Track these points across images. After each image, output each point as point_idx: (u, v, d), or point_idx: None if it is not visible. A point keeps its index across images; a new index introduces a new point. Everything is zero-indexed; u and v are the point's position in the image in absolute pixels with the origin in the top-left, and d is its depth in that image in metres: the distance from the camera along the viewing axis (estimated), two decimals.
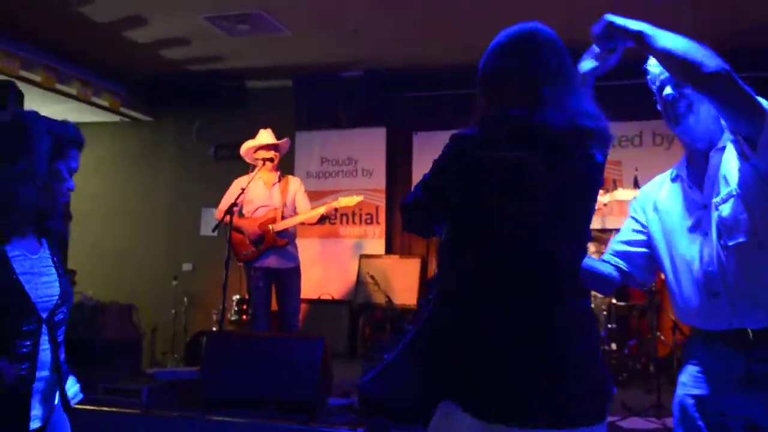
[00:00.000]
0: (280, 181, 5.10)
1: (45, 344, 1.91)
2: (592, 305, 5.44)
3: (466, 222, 1.63)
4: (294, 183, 5.17)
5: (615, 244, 2.08)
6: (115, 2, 5.66)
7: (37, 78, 6.60)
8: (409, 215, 1.77)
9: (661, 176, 2.11)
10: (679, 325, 4.74)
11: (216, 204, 7.79)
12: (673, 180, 2.02)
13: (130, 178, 8.44)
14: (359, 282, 6.66)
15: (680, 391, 1.92)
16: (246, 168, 5.31)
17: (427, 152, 7.24)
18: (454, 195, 1.66)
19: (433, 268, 7.11)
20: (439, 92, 7.21)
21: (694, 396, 1.87)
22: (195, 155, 8.15)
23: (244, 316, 6.38)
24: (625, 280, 2.05)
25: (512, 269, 1.55)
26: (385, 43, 6.50)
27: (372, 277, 6.42)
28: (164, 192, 8.26)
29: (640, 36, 1.82)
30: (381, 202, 7.25)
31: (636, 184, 5.58)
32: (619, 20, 1.84)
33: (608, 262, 2.06)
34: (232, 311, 6.37)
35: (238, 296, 6.44)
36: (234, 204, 4.84)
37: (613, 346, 5.38)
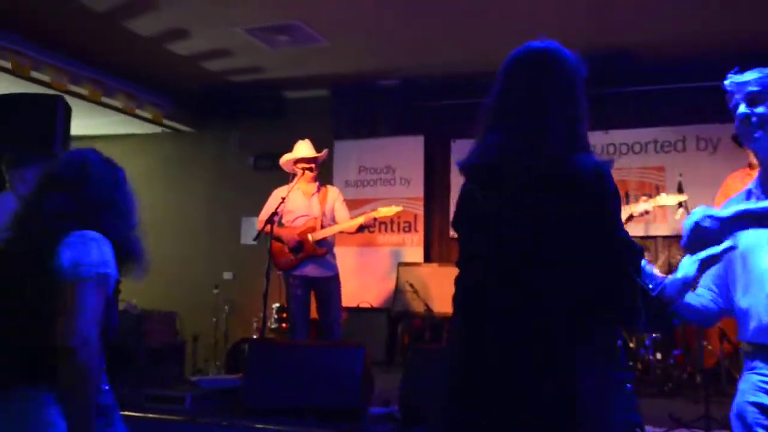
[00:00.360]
0: (319, 191, 5.14)
1: None
2: None
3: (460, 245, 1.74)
4: (333, 192, 5.21)
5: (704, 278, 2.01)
6: (158, 16, 5.79)
7: (84, 92, 6.78)
8: None
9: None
10: (726, 335, 4.62)
11: (256, 213, 7.88)
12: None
13: (172, 189, 8.59)
14: (398, 290, 6.66)
15: (740, 398, 1.91)
16: (285, 178, 5.36)
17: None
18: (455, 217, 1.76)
19: None
20: (476, 99, 7.06)
21: (755, 404, 1.85)
22: (235, 165, 8.27)
23: (284, 324, 6.43)
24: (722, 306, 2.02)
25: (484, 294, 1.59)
26: (422, 51, 6.50)
27: (411, 285, 6.41)
28: (205, 202, 8.39)
29: None
30: (419, 210, 7.24)
31: (680, 190, 5.46)
32: None
33: (703, 295, 2.03)
34: (272, 319, 6.42)
35: (278, 304, 6.50)
36: (275, 213, 4.89)
37: (658, 355, 5.27)
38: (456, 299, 1.69)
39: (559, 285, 1.48)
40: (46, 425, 1.66)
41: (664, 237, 6.49)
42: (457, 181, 7.27)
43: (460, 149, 7.25)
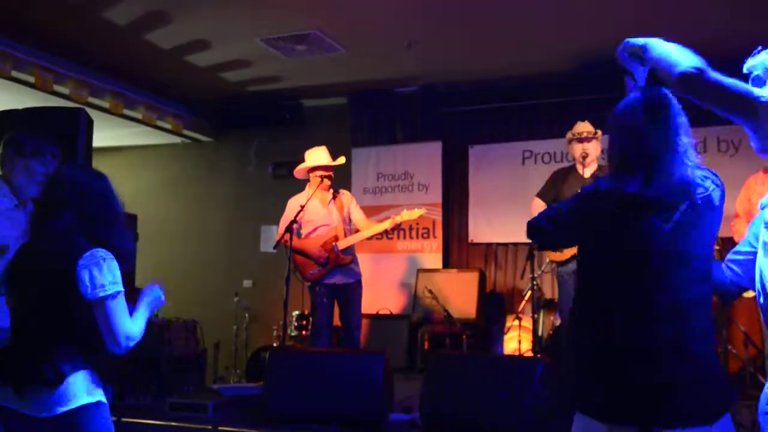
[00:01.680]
0: (334, 198, 5.15)
1: None
2: None
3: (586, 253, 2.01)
4: (346, 197, 5.22)
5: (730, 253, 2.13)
6: (178, 29, 5.86)
7: (106, 104, 6.88)
8: (537, 234, 2.09)
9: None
10: (751, 339, 4.57)
11: (275, 221, 7.90)
12: None
13: (191, 198, 8.67)
14: (417, 296, 6.65)
15: None
16: (303, 186, 5.38)
17: (483, 165, 7.21)
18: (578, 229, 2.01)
19: (491, 281, 7.06)
20: (493, 105, 7.19)
21: None
22: (254, 174, 8.33)
23: (304, 332, 6.45)
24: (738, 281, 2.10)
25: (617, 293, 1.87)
26: (439, 58, 6.52)
27: (430, 291, 6.40)
28: (225, 210, 8.46)
29: (642, 49, 2.01)
30: (438, 216, 7.24)
31: None
32: (632, 39, 2.04)
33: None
34: (292, 327, 6.45)
35: (297, 312, 6.52)
36: (293, 221, 4.91)
37: None
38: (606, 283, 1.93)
39: (702, 275, 1.87)
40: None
41: None
42: (475, 186, 7.30)
43: (478, 154, 7.26)
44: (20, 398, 2.08)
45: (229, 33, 5.97)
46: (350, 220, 5.15)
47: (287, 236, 4.89)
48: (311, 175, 5.16)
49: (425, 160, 7.37)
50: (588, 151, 4.64)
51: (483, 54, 6.38)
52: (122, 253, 2.27)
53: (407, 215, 5.01)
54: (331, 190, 5.17)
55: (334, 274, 4.97)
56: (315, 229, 5.07)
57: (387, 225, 4.95)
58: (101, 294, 2.12)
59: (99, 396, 2.16)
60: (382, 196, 7.46)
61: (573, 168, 4.75)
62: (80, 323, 2.15)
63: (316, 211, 5.08)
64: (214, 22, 5.73)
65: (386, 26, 5.80)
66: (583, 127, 4.79)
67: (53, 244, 2.18)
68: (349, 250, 5.02)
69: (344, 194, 5.24)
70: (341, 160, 5.25)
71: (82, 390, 2.11)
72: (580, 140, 4.73)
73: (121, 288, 2.18)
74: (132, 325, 2.23)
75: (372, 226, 5.07)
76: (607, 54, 6.43)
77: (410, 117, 7.56)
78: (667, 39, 1.97)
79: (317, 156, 5.13)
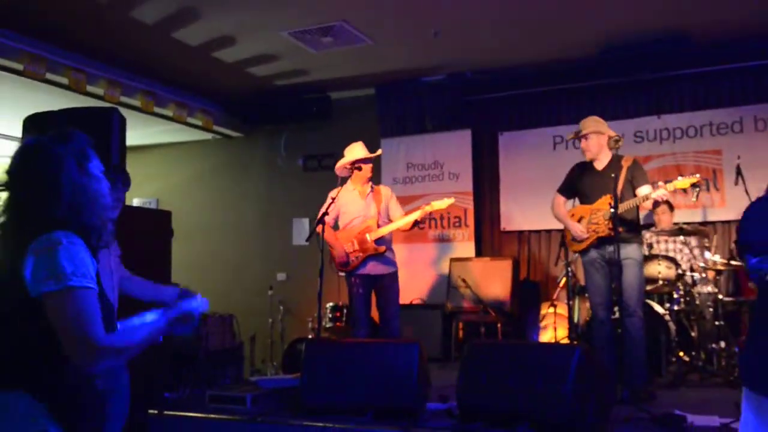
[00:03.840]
0: (372, 190, 5.18)
1: None
2: (697, 302, 5.18)
3: None
4: (386, 191, 5.25)
5: None
6: (205, 26, 5.91)
7: (137, 103, 6.98)
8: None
9: None
10: None
11: (306, 214, 8.00)
12: None
13: (223, 193, 8.76)
14: (450, 285, 6.64)
15: None
16: (333, 178, 5.39)
17: (513, 152, 7.15)
18: None
19: (525, 268, 7.00)
20: (522, 91, 7.12)
21: None
22: (284, 167, 8.38)
23: (338, 323, 6.48)
24: None
25: None
26: (466, 45, 6.47)
27: (463, 280, 6.39)
28: (256, 204, 8.53)
29: None
30: (469, 204, 7.21)
31: (739, 173, 5.30)
32: None
33: None
34: (327, 318, 6.49)
35: (332, 303, 6.56)
36: (325, 213, 4.93)
37: (722, 344, 5.11)
38: None
39: None
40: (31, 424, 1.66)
41: (724, 222, 6.30)
42: (506, 173, 7.23)
43: (508, 141, 7.19)
44: None
45: (255, 27, 6.00)
46: (387, 213, 5.17)
47: (320, 228, 4.93)
48: (348, 169, 5.19)
49: (455, 148, 7.33)
50: (585, 148, 4.67)
51: (510, 40, 6.31)
52: (85, 229, 1.82)
53: (437, 205, 5.01)
54: (370, 184, 5.19)
55: (367, 263, 4.99)
56: (351, 221, 5.12)
57: (417, 215, 4.96)
58: (53, 287, 1.66)
59: (47, 427, 1.66)
60: (413, 186, 7.45)
61: (590, 161, 4.72)
62: (23, 331, 1.70)
63: (353, 204, 5.13)
64: (240, 17, 5.76)
65: (412, 15, 5.77)
66: (580, 127, 4.75)
67: None
68: (383, 241, 5.04)
69: (384, 189, 5.27)
70: (378, 152, 5.28)
71: (15, 422, 1.65)
72: (579, 140, 4.75)
73: (87, 283, 1.71)
74: (102, 334, 1.68)
75: (403, 217, 5.08)
76: (632, 37, 6.42)
77: (438, 106, 7.52)
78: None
79: (355, 150, 5.16)
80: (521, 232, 7.13)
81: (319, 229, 4.96)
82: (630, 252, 4.49)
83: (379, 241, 5.00)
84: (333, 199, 5.00)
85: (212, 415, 3.96)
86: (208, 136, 8.59)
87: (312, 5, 5.54)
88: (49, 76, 6.04)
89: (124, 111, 4.46)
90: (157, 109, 7.26)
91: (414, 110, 7.63)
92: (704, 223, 6.24)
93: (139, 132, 8.06)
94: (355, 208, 5.12)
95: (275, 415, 3.88)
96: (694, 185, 4.33)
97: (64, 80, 6.18)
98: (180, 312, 1.93)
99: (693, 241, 5.73)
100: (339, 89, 7.79)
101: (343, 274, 5.13)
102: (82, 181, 1.84)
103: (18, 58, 5.78)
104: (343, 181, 5.21)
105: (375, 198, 5.14)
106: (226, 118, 8.31)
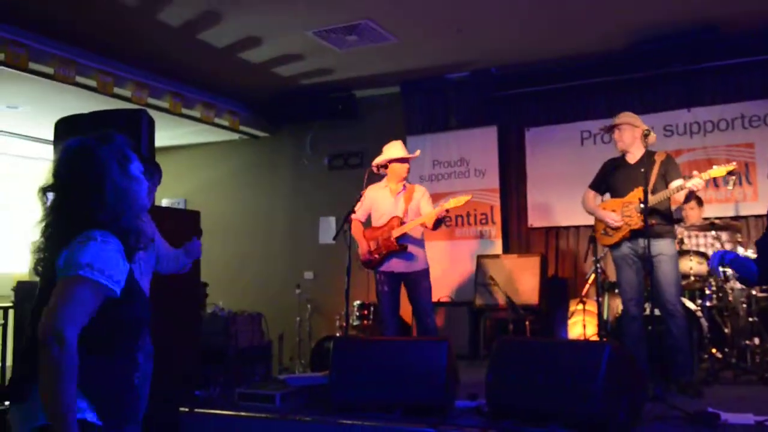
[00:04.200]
0: (404, 189, 5.19)
1: None
2: (730, 298, 5.12)
3: None
4: (418, 191, 5.23)
5: None
6: (230, 27, 5.95)
7: (165, 104, 7.07)
8: None
9: None
10: None
11: (332, 213, 8.02)
12: None
13: (250, 193, 8.83)
14: (478, 283, 6.61)
15: None
16: (360, 177, 5.41)
17: (539, 147, 7.09)
18: None
19: (553, 265, 6.94)
20: (548, 86, 7.06)
21: None
22: (310, 166, 8.42)
23: (366, 321, 6.50)
24: None
25: None
26: (491, 41, 6.43)
27: (491, 277, 6.35)
28: (283, 204, 8.58)
29: None
30: (496, 201, 7.16)
31: None
32: None
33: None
34: (354, 316, 6.50)
35: (359, 302, 6.57)
36: (351, 211, 4.95)
37: (756, 340, 5.02)
38: None
39: None
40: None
41: (757, 217, 6.18)
42: (533, 169, 7.18)
43: (535, 137, 7.14)
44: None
45: (280, 27, 6.03)
46: (418, 212, 5.17)
47: (354, 225, 4.97)
48: (385, 168, 5.21)
49: (480, 145, 7.29)
50: (618, 138, 4.64)
51: (535, 35, 6.26)
52: (122, 231, 1.86)
53: (453, 202, 4.98)
54: (404, 183, 5.20)
55: (390, 259, 5.00)
56: (380, 218, 5.15)
57: (435, 212, 4.93)
58: (63, 274, 1.74)
59: (79, 413, 1.71)
60: (439, 183, 7.42)
61: (623, 156, 4.67)
62: None
63: (384, 202, 5.16)
64: (265, 17, 5.79)
65: (436, 12, 5.75)
66: (614, 119, 4.72)
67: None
68: (407, 239, 5.03)
69: (417, 188, 5.26)
70: (416, 153, 5.31)
71: None
72: (611, 131, 4.72)
73: (102, 279, 1.74)
74: (71, 327, 1.69)
75: (423, 216, 5.06)
76: (661, 30, 6.34)
77: (463, 102, 7.49)
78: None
79: (391, 149, 5.19)
80: (549, 228, 7.07)
81: (352, 227, 5.03)
82: (663, 247, 4.44)
83: (402, 238, 4.99)
84: (361, 195, 5.04)
85: (242, 413, 3.99)
86: (235, 136, 8.66)
87: (336, 4, 5.55)
88: (78, 79, 6.15)
89: (152, 112, 4.52)
90: (184, 111, 7.35)
91: (439, 107, 7.61)
92: (736, 218, 6.12)
93: (166, 133, 8.16)
94: (384, 206, 5.15)
95: (304, 413, 3.90)
96: (730, 173, 4.26)
97: (93, 83, 6.28)
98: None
99: (725, 236, 5.63)
100: (364, 87, 7.79)
101: (370, 271, 5.14)
102: (123, 185, 1.89)
103: (49, 62, 5.90)
104: (371, 178, 5.22)
105: (406, 197, 5.15)
106: (253, 119, 8.37)
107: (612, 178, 4.72)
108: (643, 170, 4.34)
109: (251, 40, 6.31)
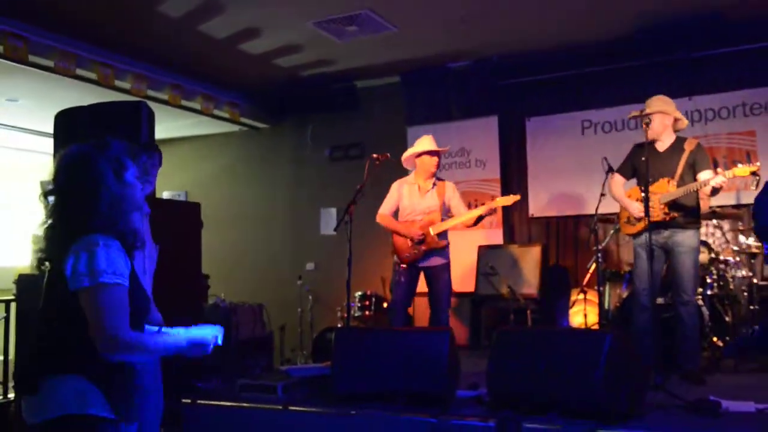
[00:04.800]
0: (435, 186, 5.20)
1: None
2: (731, 286, 5.14)
3: None
4: (449, 188, 5.23)
5: None
6: (230, 18, 5.93)
7: (165, 96, 7.05)
8: None
9: None
10: None
11: (334, 204, 8.02)
12: None
13: (251, 185, 8.83)
14: (479, 273, 6.61)
15: None
16: (361, 168, 5.39)
17: (541, 137, 7.08)
18: None
19: (554, 255, 6.94)
20: (549, 75, 7.03)
21: None
22: (311, 158, 8.41)
23: (367, 312, 6.51)
24: None
25: None
26: (492, 29, 6.40)
27: (492, 267, 6.36)
28: (284, 195, 8.58)
29: None
30: (497, 191, 7.15)
31: None
32: None
33: None
34: (356, 307, 6.51)
35: (360, 292, 6.58)
36: (353, 202, 4.93)
37: (757, 328, 5.02)
38: None
39: None
40: (80, 403, 1.90)
41: None
42: (533, 159, 7.17)
43: (535, 127, 7.12)
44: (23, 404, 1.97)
45: (280, 18, 6.01)
46: (449, 209, 5.19)
47: (348, 216, 4.94)
48: (416, 161, 5.24)
49: (481, 135, 7.28)
50: (647, 127, 4.49)
51: (536, 23, 6.23)
52: (124, 235, 2.03)
53: (501, 201, 5.10)
54: (434, 179, 5.20)
55: (429, 257, 5.05)
56: (412, 214, 5.17)
57: (480, 211, 4.98)
58: (87, 283, 1.88)
59: (93, 408, 1.89)
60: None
61: (651, 142, 4.59)
62: (70, 322, 1.91)
63: (411, 198, 5.20)
64: (264, 8, 5.77)
65: (436, 1, 5.72)
66: (645, 105, 4.63)
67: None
68: (444, 235, 5.08)
69: (448, 185, 5.27)
70: (446, 148, 5.38)
71: (67, 399, 1.88)
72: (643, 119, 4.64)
73: (119, 280, 1.93)
74: (129, 330, 1.92)
75: (467, 213, 5.10)
76: (662, 18, 6.29)
77: (464, 92, 7.46)
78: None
79: (422, 143, 5.22)
80: (550, 218, 7.07)
81: (383, 222, 5.18)
82: (686, 239, 4.41)
83: (440, 235, 5.04)
84: (361, 187, 5.01)
85: (244, 404, 4.01)
86: (235, 128, 8.65)
87: None
88: (78, 71, 6.14)
89: (152, 105, 4.50)
90: (184, 102, 7.34)
91: (440, 97, 7.59)
92: (737, 206, 6.11)
93: (166, 125, 8.15)
94: (412, 203, 5.18)
95: (306, 404, 3.91)
96: (753, 173, 4.23)
97: (93, 75, 6.27)
98: (200, 338, 2.14)
99: (726, 224, 5.63)
100: (365, 78, 7.77)
101: (404, 266, 5.12)
102: (118, 192, 2.04)
103: (48, 55, 5.88)
104: (372, 169, 5.16)
105: (438, 192, 5.16)
106: (253, 110, 8.35)
107: (640, 165, 4.59)
108: (669, 159, 4.30)
109: (251, 32, 6.29)
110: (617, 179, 4.78)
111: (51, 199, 2.03)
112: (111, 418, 1.91)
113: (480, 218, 5.06)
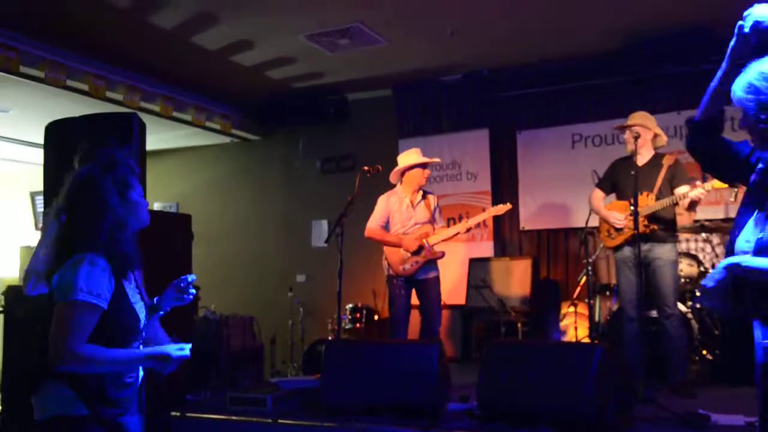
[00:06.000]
0: (424, 199, 5.23)
1: None
2: None
3: None
4: (434, 200, 5.31)
5: None
6: (222, 30, 5.95)
7: (157, 108, 7.05)
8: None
9: None
10: None
11: (325, 216, 8.02)
12: None
13: (242, 196, 8.81)
14: (470, 285, 6.62)
15: None
16: (352, 180, 5.40)
17: (531, 150, 7.11)
18: None
19: (545, 268, 6.95)
20: (540, 88, 7.08)
21: None
22: (302, 170, 8.41)
23: (358, 324, 6.50)
24: None
25: None
26: (483, 43, 6.45)
27: (483, 280, 6.37)
28: (276, 207, 8.57)
29: None
30: (487, 204, 7.16)
31: None
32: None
33: None
34: (347, 320, 6.50)
35: (351, 305, 6.57)
36: (344, 214, 4.93)
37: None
38: None
39: None
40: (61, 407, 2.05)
41: None
42: (524, 172, 7.20)
43: (526, 140, 7.16)
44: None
45: (272, 31, 6.03)
46: (436, 221, 5.25)
47: (339, 228, 4.95)
48: (405, 174, 5.28)
49: (472, 148, 7.31)
50: (627, 140, 4.67)
51: (526, 37, 6.28)
52: (119, 258, 2.13)
53: (493, 210, 5.26)
54: (421, 192, 5.24)
55: (426, 270, 5.10)
56: (404, 227, 5.20)
57: (477, 220, 5.21)
58: (61, 298, 2.00)
59: (79, 410, 2.05)
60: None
61: (630, 157, 4.68)
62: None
63: (404, 211, 5.23)
64: (257, 21, 5.79)
65: (427, 15, 5.76)
66: (628, 119, 4.76)
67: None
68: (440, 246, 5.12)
69: (432, 198, 5.34)
70: (436, 159, 5.48)
71: (54, 402, 2.05)
72: (623, 131, 4.78)
73: (94, 300, 2.01)
74: (81, 345, 1.99)
75: (460, 224, 5.23)
76: (651, 32, 6.33)
77: (456, 105, 7.51)
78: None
79: (411, 156, 5.26)
80: (540, 230, 7.09)
81: (367, 233, 5.18)
82: (664, 252, 4.48)
83: (437, 246, 5.09)
84: (351, 199, 5.02)
85: (233, 417, 3.99)
86: (227, 139, 8.65)
87: (328, 8, 5.56)
88: (69, 82, 6.12)
89: (143, 116, 4.50)
90: (176, 114, 7.33)
91: (431, 110, 7.62)
92: (726, 220, 6.15)
93: (158, 137, 8.14)
94: (402, 216, 5.22)
95: (296, 416, 3.89)
96: (731, 185, 4.31)
97: (84, 86, 6.26)
98: (158, 352, 2.16)
99: (715, 238, 5.66)
100: (356, 90, 7.80)
101: (400, 280, 5.15)
102: (122, 213, 2.15)
103: (39, 66, 5.87)
104: (364, 181, 5.18)
105: (426, 205, 5.19)
106: (245, 122, 8.36)
107: (619, 179, 4.75)
108: (649, 174, 4.37)
109: (243, 44, 6.31)
110: (597, 194, 4.88)
111: (63, 217, 2.13)
112: (86, 414, 2.05)
113: (469, 229, 5.16)
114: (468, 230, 5.20)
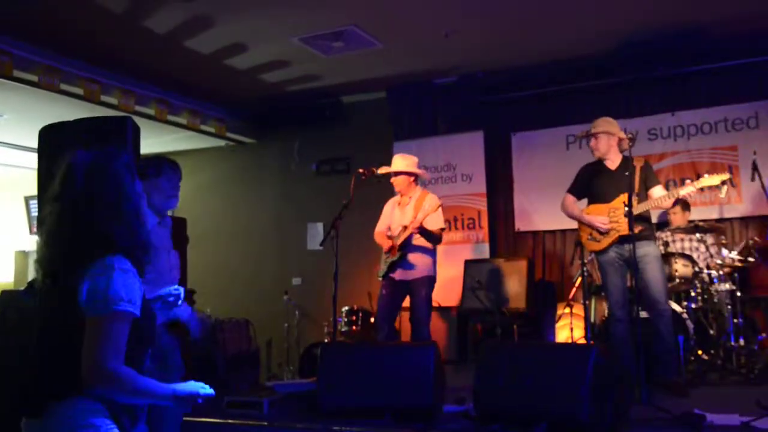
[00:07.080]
0: (413, 199, 5.22)
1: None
2: (715, 299, 5.20)
3: None
4: (428, 200, 5.16)
5: None
6: (217, 34, 5.95)
7: (151, 112, 7.05)
8: None
9: None
10: None
11: (320, 219, 8.01)
12: None
13: (238, 199, 8.80)
14: (465, 287, 6.62)
15: None
16: (347, 183, 5.41)
17: (526, 152, 7.13)
18: None
19: (540, 269, 6.96)
20: (534, 91, 7.10)
21: None
22: (298, 173, 8.41)
23: (354, 327, 6.49)
24: None
25: None
26: (477, 46, 6.46)
27: (478, 282, 6.37)
28: (271, 210, 8.56)
29: None
30: (483, 206, 7.19)
31: (755, 168, 5.25)
32: None
33: None
34: (342, 322, 6.49)
35: (347, 307, 6.57)
36: (339, 217, 4.94)
37: (741, 341, 5.06)
38: None
39: None
40: (86, 426, 1.79)
41: (741, 219, 6.24)
42: (519, 174, 7.21)
43: (521, 142, 7.17)
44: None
45: (266, 34, 6.04)
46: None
47: (334, 231, 4.95)
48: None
49: (467, 150, 7.32)
50: (593, 147, 4.74)
51: (521, 39, 6.30)
52: (134, 251, 1.88)
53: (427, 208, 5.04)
54: (417, 195, 5.25)
55: (395, 269, 5.08)
56: (393, 230, 5.24)
57: (416, 223, 4.97)
58: (103, 311, 1.76)
59: (99, 427, 1.79)
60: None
61: (601, 162, 4.74)
62: (78, 345, 1.77)
63: (395, 214, 5.29)
64: (251, 24, 5.79)
65: (422, 18, 5.78)
66: (591, 126, 4.79)
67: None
68: (408, 247, 5.06)
69: (428, 198, 5.19)
70: (420, 173, 5.34)
71: (76, 420, 1.77)
72: (588, 139, 4.84)
73: (132, 309, 1.80)
74: (122, 365, 1.76)
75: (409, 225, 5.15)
76: (645, 34, 6.39)
77: (450, 107, 7.52)
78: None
79: (394, 163, 5.27)
80: (536, 232, 7.10)
81: (381, 242, 5.23)
82: (649, 250, 4.53)
83: (402, 246, 5.04)
84: (345, 204, 5.05)
85: (230, 420, 3.98)
86: (222, 142, 8.64)
87: (322, 11, 5.56)
88: (63, 87, 6.12)
89: (138, 120, 4.51)
90: (170, 117, 7.33)
91: (426, 112, 7.63)
92: (720, 220, 6.18)
93: (153, 140, 8.13)
94: (393, 219, 5.28)
95: (292, 420, 3.89)
96: (723, 182, 4.35)
97: (79, 91, 6.25)
98: (188, 392, 1.96)
99: (709, 238, 5.68)
100: (351, 93, 7.81)
101: (382, 279, 5.22)
102: (137, 200, 1.91)
103: (33, 70, 5.86)
104: (359, 184, 5.19)
105: (416, 206, 5.18)
106: (239, 125, 8.35)
107: (592, 183, 4.77)
108: (627, 174, 4.39)
109: (237, 47, 6.30)
110: (571, 199, 4.89)
111: (68, 209, 1.84)
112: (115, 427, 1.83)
113: (426, 233, 4.97)
114: (424, 233, 5.00)
